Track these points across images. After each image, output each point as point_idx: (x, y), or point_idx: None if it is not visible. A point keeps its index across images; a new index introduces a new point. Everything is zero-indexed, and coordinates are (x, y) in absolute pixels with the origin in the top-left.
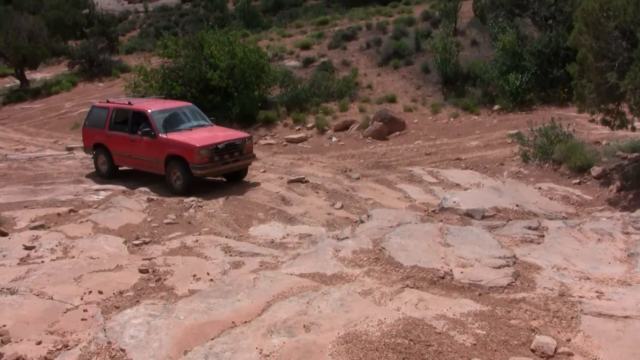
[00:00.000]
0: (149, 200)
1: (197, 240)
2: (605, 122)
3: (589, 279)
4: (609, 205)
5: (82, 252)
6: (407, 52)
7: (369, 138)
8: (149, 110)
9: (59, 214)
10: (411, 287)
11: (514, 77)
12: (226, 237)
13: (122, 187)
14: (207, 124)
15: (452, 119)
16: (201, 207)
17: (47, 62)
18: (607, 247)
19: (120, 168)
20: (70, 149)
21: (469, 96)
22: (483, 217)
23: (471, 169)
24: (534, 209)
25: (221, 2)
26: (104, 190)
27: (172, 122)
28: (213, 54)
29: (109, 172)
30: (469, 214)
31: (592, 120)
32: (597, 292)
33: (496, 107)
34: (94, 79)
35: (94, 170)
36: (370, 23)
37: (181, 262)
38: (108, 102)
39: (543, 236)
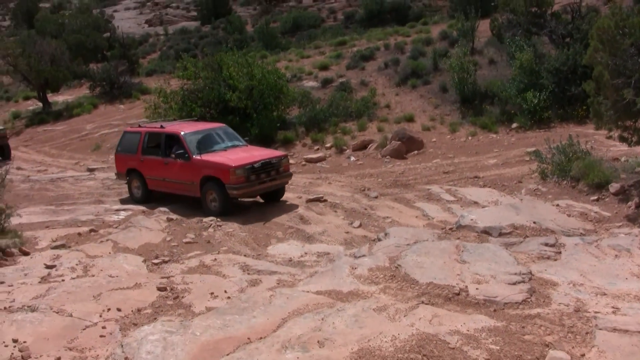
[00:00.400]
0: (169, 220)
1: (215, 259)
2: (622, 139)
3: (605, 294)
4: (627, 222)
5: (101, 270)
6: (425, 71)
7: (387, 157)
8: (182, 133)
9: (79, 234)
10: (426, 304)
11: (532, 95)
12: (245, 255)
13: (142, 207)
14: (241, 144)
15: (470, 138)
16: (220, 226)
17: (68, 84)
18: (625, 263)
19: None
20: (91, 170)
21: (487, 115)
22: (500, 235)
23: (489, 186)
24: (551, 225)
25: (240, 24)
26: (124, 210)
27: (206, 143)
28: (232, 75)
29: (143, 196)
30: (486, 231)
31: (610, 137)
32: (613, 307)
33: (514, 125)
34: (114, 101)
35: (128, 195)
36: (388, 43)
37: (199, 280)
38: (140, 126)
39: (560, 252)
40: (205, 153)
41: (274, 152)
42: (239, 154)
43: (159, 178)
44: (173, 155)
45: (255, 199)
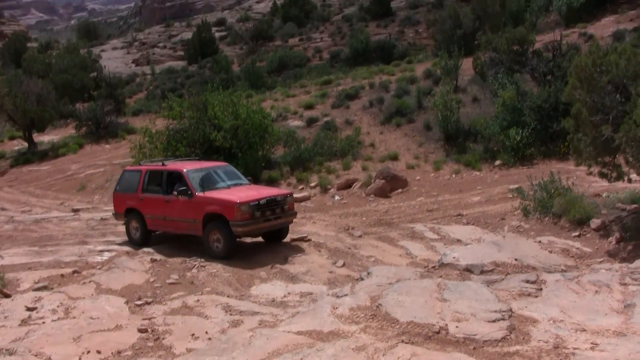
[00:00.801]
0: (152, 260)
1: (198, 300)
2: (602, 175)
3: (585, 330)
4: (608, 257)
5: (83, 312)
6: (409, 110)
7: (371, 196)
8: (185, 170)
9: (62, 275)
10: (406, 343)
11: (515, 132)
12: (228, 296)
13: (126, 248)
14: (244, 182)
15: (454, 175)
16: (204, 267)
17: (54, 124)
18: (605, 299)
19: (154, 233)
20: (75, 211)
21: (471, 152)
22: (482, 272)
23: (472, 224)
24: (533, 262)
25: (226, 63)
26: (108, 251)
27: (209, 181)
28: (217, 115)
29: (142, 237)
30: (468, 269)
31: (590, 174)
32: (592, 343)
33: (497, 162)
34: (100, 141)
35: (127, 238)
36: (373, 82)
37: (181, 321)
38: (140, 164)
39: (541, 289)
40: (208, 190)
41: (278, 190)
42: (243, 191)
43: (159, 217)
44: (175, 193)
45: (256, 238)
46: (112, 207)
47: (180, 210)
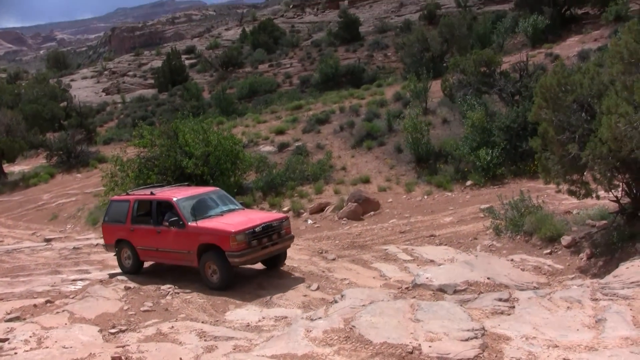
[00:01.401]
0: (126, 288)
1: (172, 327)
2: (571, 193)
3: (557, 346)
4: (580, 273)
5: (56, 342)
6: (379, 133)
7: (344, 219)
8: (174, 199)
9: (35, 305)
10: None
11: (485, 152)
12: (202, 322)
13: (100, 277)
14: (237, 207)
15: (425, 197)
16: (178, 293)
17: (25, 155)
18: (576, 315)
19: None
20: (48, 240)
21: (442, 173)
22: (455, 292)
23: (445, 244)
24: (505, 280)
25: (197, 91)
26: (81, 280)
27: (201, 208)
28: (187, 142)
29: (134, 267)
30: (442, 289)
31: (559, 191)
32: (564, 359)
33: (469, 182)
34: (71, 170)
35: (119, 268)
36: (343, 106)
37: (155, 348)
38: (127, 194)
39: (514, 307)
40: (201, 219)
41: (273, 214)
42: (237, 218)
43: (151, 248)
44: (166, 224)
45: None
46: (102, 239)
47: (172, 241)
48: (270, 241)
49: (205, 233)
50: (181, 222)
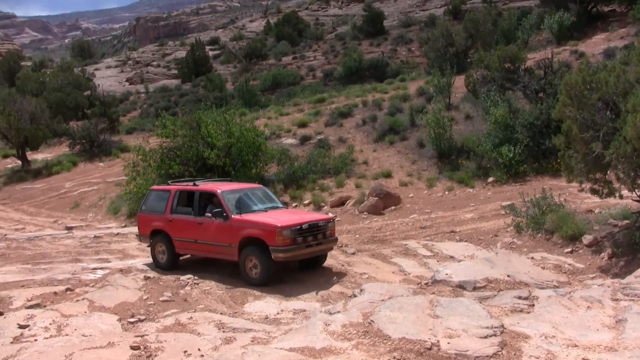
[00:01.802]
0: (146, 278)
1: (191, 318)
2: (593, 192)
3: (576, 346)
4: (601, 273)
5: (75, 330)
6: (402, 127)
7: (364, 213)
8: (219, 190)
9: (55, 293)
10: (397, 359)
11: (507, 149)
12: (221, 313)
13: (120, 266)
14: (280, 206)
15: (447, 193)
16: (197, 284)
17: (48, 143)
18: (596, 314)
19: (182, 257)
20: (69, 229)
21: (464, 169)
22: (474, 289)
23: (465, 241)
24: (525, 278)
25: (220, 82)
26: (101, 269)
27: (244, 203)
28: (210, 133)
29: (169, 262)
30: (461, 286)
31: (582, 190)
32: (583, 359)
33: (490, 179)
34: (94, 159)
35: (152, 261)
36: (366, 100)
37: (173, 338)
38: (168, 184)
39: (533, 305)
40: (245, 213)
41: (318, 214)
42: (282, 215)
43: (190, 240)
44: (209, 215)
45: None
46: (137, 228)
47: (214, 233)
48: (315, 240)
49: (249, 226)
50: (225, 214)
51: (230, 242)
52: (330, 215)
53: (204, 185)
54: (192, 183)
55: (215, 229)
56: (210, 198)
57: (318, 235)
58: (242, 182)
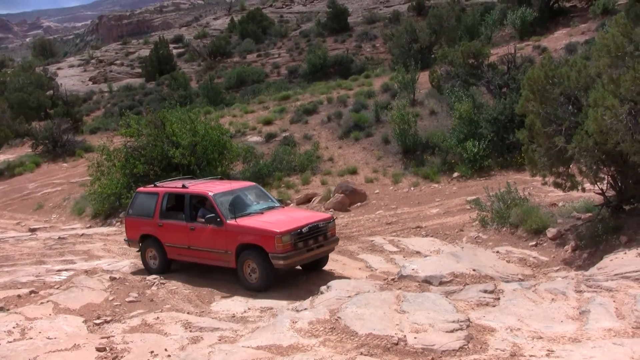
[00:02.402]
0: (112, 279)
1: (158, 318)
2: (556, 185)
3: (541, 338)
4: (565, 265)
5: (39, 333)
6: (367, 124)
7: (331, 210)
8: (211, 193)
9: (19, 296)
10: (365, 355)
11: (472, 144)
12: (188, 313)
13: (85, 267)
14: (277, 205)
15: (412, 188)
16: (164, 284)
17: (10, 143)
18: (561, 306)
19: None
20: (33, 230)
21: (429, 165)
22: (441, 283)
23: (431, 236)
24: (490, 272)
25: (184, 80)
26: (66, 270)
27: (239, 205)
28: (175, 132)
29: (161, 267)
30: (427, 281)
31: (545, 184)
32: (548, 350)
33: (455, 174)
34: (57, 160)
35: (143, 267)
36: (331, 97)
37: (140, 339)
38: (155, 186)
39: (499, 299)
40: (240, 217)
41: (316, 214)
42: (279, 217)
43: (182, 246)
44: (202, 220)
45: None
46: (125, 233)
47: (208, 239)
48: (316, 243)
49: (246, 232)
50: (219, 220)
51: (226, 249)
52: (330, 214)
53: (194, 187)
54: (181, 185)
55: (209, 235)
56: (201, 201)
57: (319, 237)
58: (233, 181)
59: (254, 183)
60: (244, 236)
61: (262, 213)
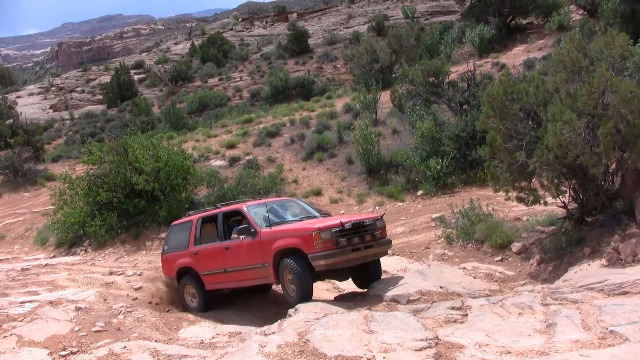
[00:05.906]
0: (77, 309)
1: (125, 347)
2: (519, 200)
3: (509, 352)
4: (531, 279)
5: None
6: (330, 145)
7: None
8: (244, 207)
9: None
10: None
11: (435, 162)
12: (155, 341)
13: (49, 298)
14: (318, 215)
15: (377, 208)
16: (130, 312)
17: None
18: (528, 320)
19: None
20: None
21: (393, 184)
22: (408, 302)
23: (398, 254)
24: (457, 289)
25: (146, 106)
26: (30, 302)
27: (275, 215)
28: (137, 158)
29: (202, 303)
30: (395, 300)
31: (508, 199)
32: None
33: (420, 192)
34: (19, 189)
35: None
36: (293, 119)
37: None
38: (189, 215)
39: (466, 315)
40: (276, 225)
41: (363, 214)
42: (319, 219)
43: (218, 271)
44: (235, 235)
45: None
46: (162, 272)
47: (243, 255)
48: (363, 242)
49: (281, 236)
50: (252, 230)
51: (263, 261)
52: (379, 213)
53: (229, 206)
54: (215, 207)
55: (245, 250)
56: (236, 218)
57: (365, 236)
58: (272, 198)
59: (294, 197)
60: (279, 241)
61: (300, 220)
